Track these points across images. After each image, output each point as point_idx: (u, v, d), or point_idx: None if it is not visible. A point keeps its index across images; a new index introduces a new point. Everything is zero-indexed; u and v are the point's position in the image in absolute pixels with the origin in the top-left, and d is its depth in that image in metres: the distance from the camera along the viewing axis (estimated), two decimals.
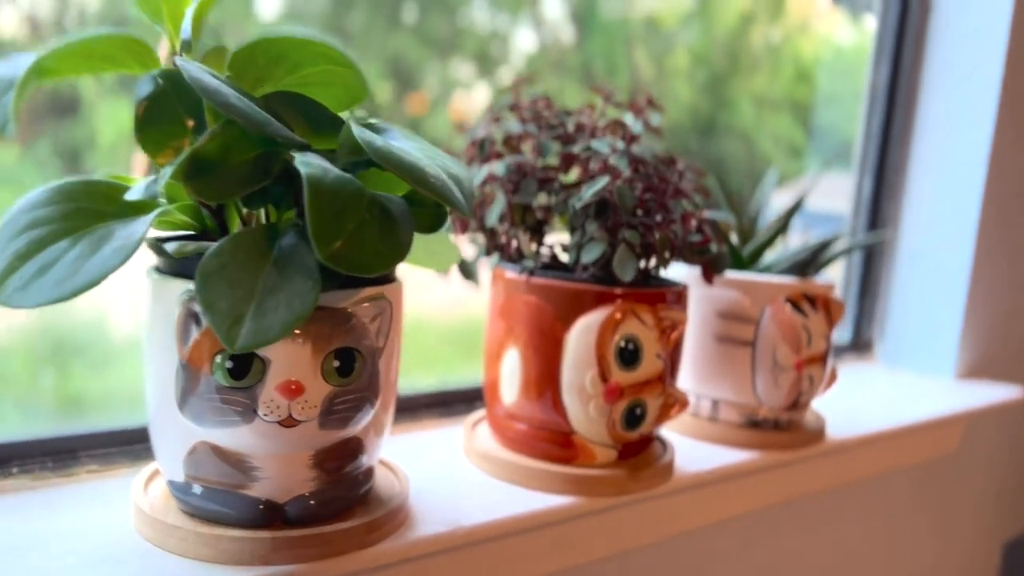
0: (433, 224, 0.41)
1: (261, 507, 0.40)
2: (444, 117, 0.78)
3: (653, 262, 0.52)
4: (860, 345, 0.97)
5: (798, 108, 1.14)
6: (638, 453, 0.55)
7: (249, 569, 0.39)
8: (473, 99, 0.81)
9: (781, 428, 0.63)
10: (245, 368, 0.37)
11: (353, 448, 0.42)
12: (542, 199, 0.55)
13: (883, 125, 0.94)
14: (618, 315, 0.50)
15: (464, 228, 0.58)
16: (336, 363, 0.39)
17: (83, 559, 0.39)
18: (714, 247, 0.55)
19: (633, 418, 0.51)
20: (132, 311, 0.51)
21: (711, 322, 0.62)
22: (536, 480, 0.51)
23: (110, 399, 0.62)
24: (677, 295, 0.53)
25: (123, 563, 0.39)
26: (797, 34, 1.18)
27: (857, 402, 0.80)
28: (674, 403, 0.53)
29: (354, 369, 0.40)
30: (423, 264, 0.51)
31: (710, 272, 0.54)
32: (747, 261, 0.66)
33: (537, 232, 0.56)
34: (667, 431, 0.64)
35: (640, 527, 0.55)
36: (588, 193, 0.49)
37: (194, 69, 0.35)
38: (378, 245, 0.35)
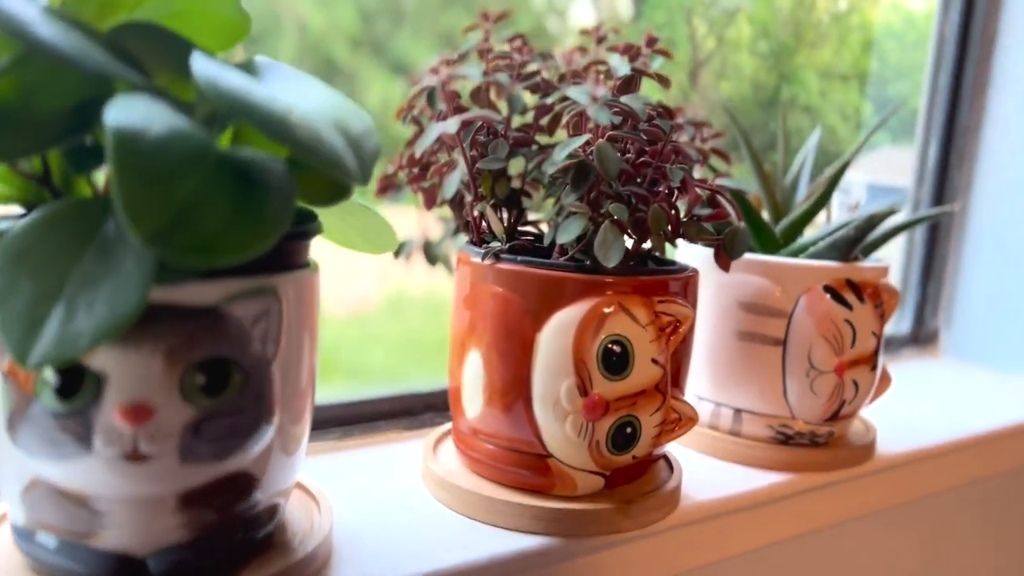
0: (333, 194, 0.31)
1: (115, 563, 0.31)
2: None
3: (649, 243, 0.41)
4: (922, 338, 0.85)
5: (866, 80, 1.04)
6: (635, 478, 0.45)
7: None
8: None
9: (819, 444, 0.52)
10: (74, 385, 0.28)
11: (241, 484, 0.33)
12: (519, 165, 0.45)
13: (952, 81, 0.81)
14: (602, 310, 0.40)
15: (431, 202, 0.48)
16: (201, 379, 0.29)
17: None
18: (734, 224, 0.45)
19: (623, 438, 0.41)
20: None
21: (733, 315, 0.51)
22: (501, 515, 0.41)
23: None
24: (683, 284, 0.43)
25: None
26: (865, 2, 1.08)
27: (916, 407, 0.69)
28: (678, 419, 0.43)
29: (228, 385, 0.30)
30: (354, 246, 0.41)
31: (724, 255, 0.44)
32: (781, 241, 0.54)
33: (514, 206, 0.46)
34: (678, 447, 0.54)
35: (635, 570, 0.45)
36: (561, 155, 0.39)
37: None
38: (229, 223, 0.26)
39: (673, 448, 0.54)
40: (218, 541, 0.33)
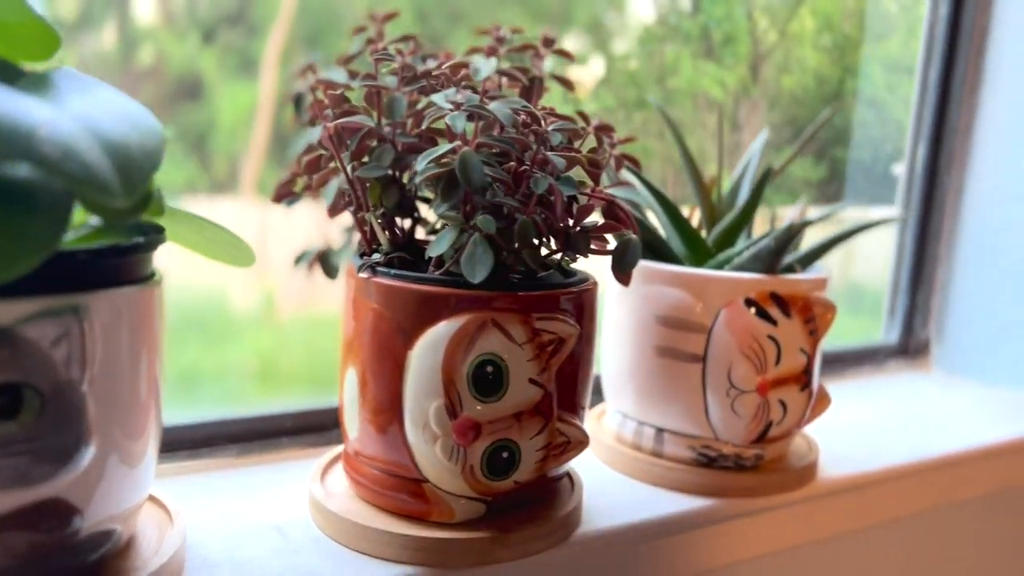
0: (106, 213, 0.29)
1: None
2: (558, 91, 0.75)
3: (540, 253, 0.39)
4: (912, 349, 0.80)
5: None
6: (525, 504, 0.42)
7: None
8: (589, 72, 0.78)
9: (746, 468, 0.49)
10: None
11: (55, 510, 0.31)
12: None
13: (942, 73, 0.76)
14: (474, 328, 0.37)
15: (332, 210, 0.46)
16: None
17: None
18: (635, 236, 0.42)
19: (500, 463, 0.38)
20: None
21: (652, 330, 0.48)
22: (370, 543, 0.39)
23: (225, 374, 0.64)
24: (575, 298, 0.40)
25: None
26: None
27: (888, 424, 0.65)
28: (567, 443, 0.40)
29: (22, 410, 0.29)
30: (219, 258, 0.40)
31: (617, 270, 0.41)
32: (713, 252, 0.51)
33: (409, 214, 0.44)
34: (600, 467, 0.51)
35: None
36: (421, 164, 0.36)
37: None
38: None
39: (593, 468, 0.51)
40: (37, 568, 0.32)
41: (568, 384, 0.41)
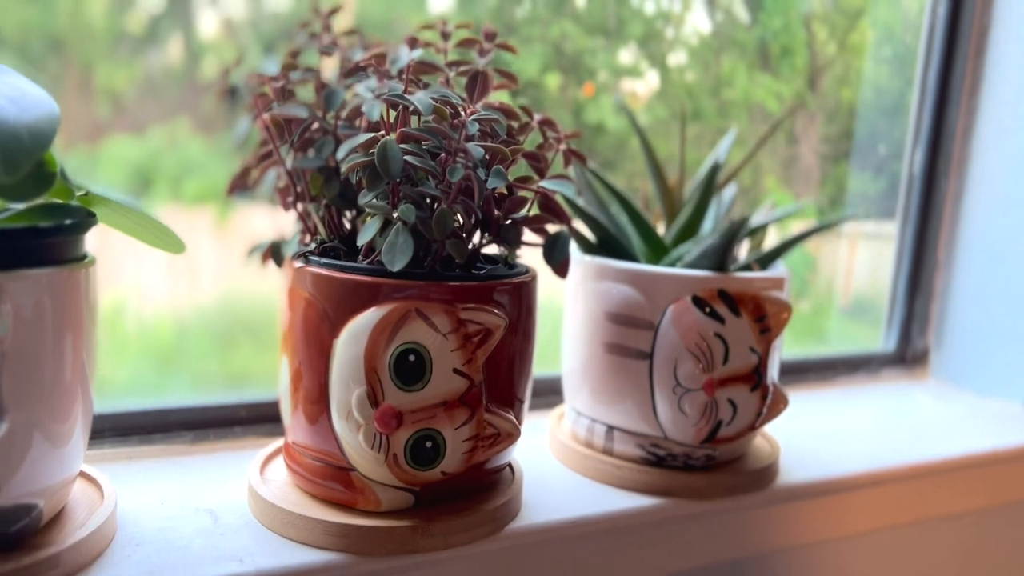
0: (19, 191, 0.30)
1: None
2: (610, 103, 0.76)
3: (487, 244, 0.39)
4: (910, 357, 0.78)
5: None
6: (458, 496, 0.42)
7: None
8: (645, 84, 0.79)
9: (695, 468, 0.48)
10: None
11: None
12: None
13: (940, 76, 0.75)
14: (397, 317, 0.38)
15: (286, 203, 0.47)
16: None
17: None
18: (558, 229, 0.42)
19: (424, 453, 0.38)
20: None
21: (601, 327, 0.48)
22: (295, 528, 0.40)
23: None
24: (510, 292, 0.40)
25: None
26: None
27: (864, 430, 0.63)
28: (496, 435, 0.40)
29: None
30: (154, 244, 0.40)
31: (547, 261, 0.41)
32: (671, 247, 0.51)
33: (352, 207, 0.45)
34: (547, 464, 0.51)
35: None
36: (341, 153, 0.37)
37: None
38: None
39: (546, 465, 0.51)
40: None
41: (500, 376, 0.41)
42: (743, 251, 0.53)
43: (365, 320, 0.38)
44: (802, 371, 0.73)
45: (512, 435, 0.41)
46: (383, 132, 0.37)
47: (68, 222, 0.35)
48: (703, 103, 0.81)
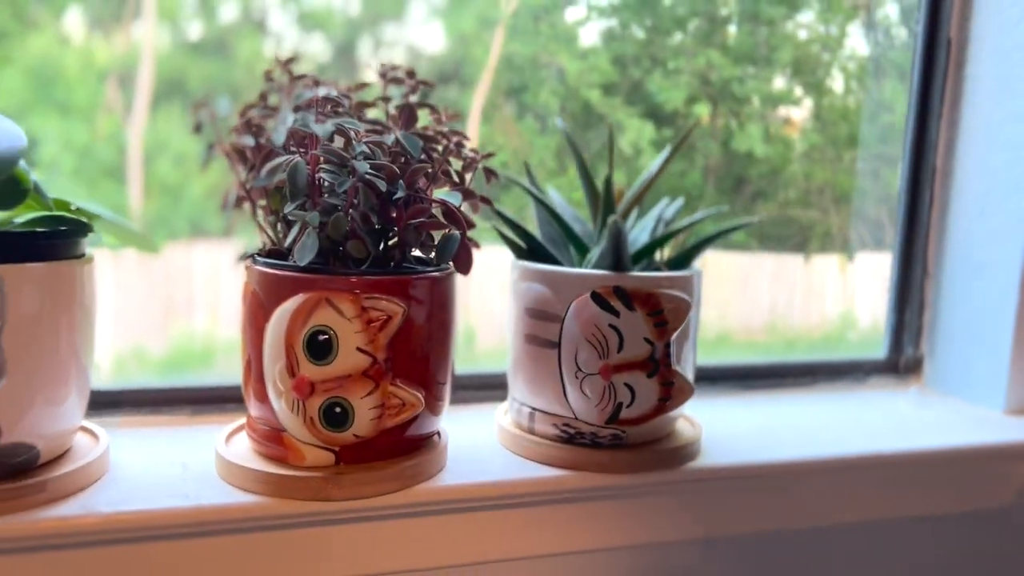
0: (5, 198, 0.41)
1: None
2: (762, 129, 0.82)
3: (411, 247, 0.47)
4: (902, 367, 0.79)
5: None
6: (376, 460, 0.50)
7: None
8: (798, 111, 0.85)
9: (602, 445, 0.54)
10: None
11: None
12: None
13: (920, 88, 0.77)
14: (310, 304, 0.46)
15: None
16: None
17: None
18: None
19: (334, 417, 0.47)
20: None
21: (523, 321, 0.55)
22: (236, 477, 0.49)
23: None
24: (418, 284, 0.48)
25: None
26: None
27: (818, 427, 0.66)
28: (401, 404, 0.48)
29: None
30: (132, 244, 0.51)
31: (438, 259, 0.49)
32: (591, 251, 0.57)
33: None
34: (487, 444, 0.58)
35: (356, 548, 0.50)
36: (263, 173, 0.46)
37: None
38: None
39: (486, 445, 0.58)
40: None
41: (409, 356, 0.49)
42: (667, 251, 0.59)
43: (286, 307, 0.47)
44: (787, 375, 0.76)
45: (415, 405, 0.48)
46: (297, 155, 0.46)
47: (63, 228, 0.47)
48: (859, 129, 0.84)
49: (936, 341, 0.78)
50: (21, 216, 0.47)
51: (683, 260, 0.57)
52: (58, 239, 0.46)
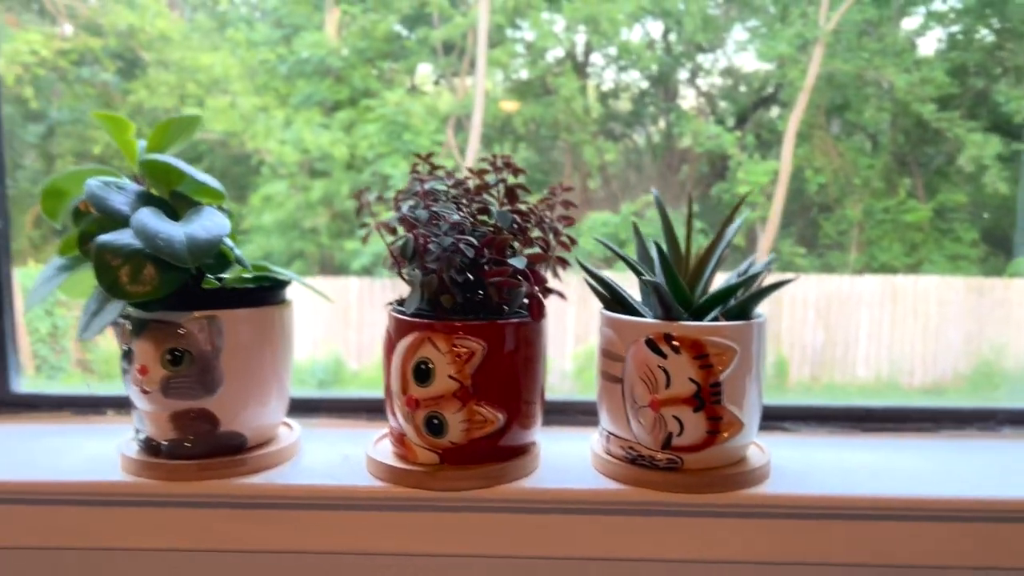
0: (212, 268, 0.62)
1: (149, 443, 0.67)
2: None
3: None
4: None
5: None
6: (476, 463, 0.65)
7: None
8: None
9: (659, 468, 0.64)
10: (127, 355, 0.65)
11: (206, 416, 0.65)
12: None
13: None
14: (417, 341, 0.63)
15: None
16: (169, 357, 0.63)
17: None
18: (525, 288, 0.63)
19: (433, 427, 0.63)
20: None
21: (600, 359, 0.67)
22: (374, 468, 0.67)
23: None
24: (505, 328, 0.63)
25: None
26: None
27: (912, 471, 0.69)
28: (484, 420, 0.63)
29: (182, 363, 0.64)
30: (317, 294, 0.71)
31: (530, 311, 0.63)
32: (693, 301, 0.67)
33: None
34: (579, 458, 0.70)
35: (440, 532, 0.64)
36: (389, 240, 0.64)
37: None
38: (132, 281, 0.59)
39: (578, 459, 0.70)
40: (206, 444, 0.66)
41: (490, 382, 0.63)
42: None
43: (402, 343, 0.64)
44: (907, 419, 0.78)
45: (493, 422, 0.63)
46: (411, 232, 0.63)
47: (266, 284, 0.68)
48: None
49: None
50: (233, 277, 0.69)
51: (744, 310, 0.65)
52: (257, 292, 0.68)
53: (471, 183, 0.68)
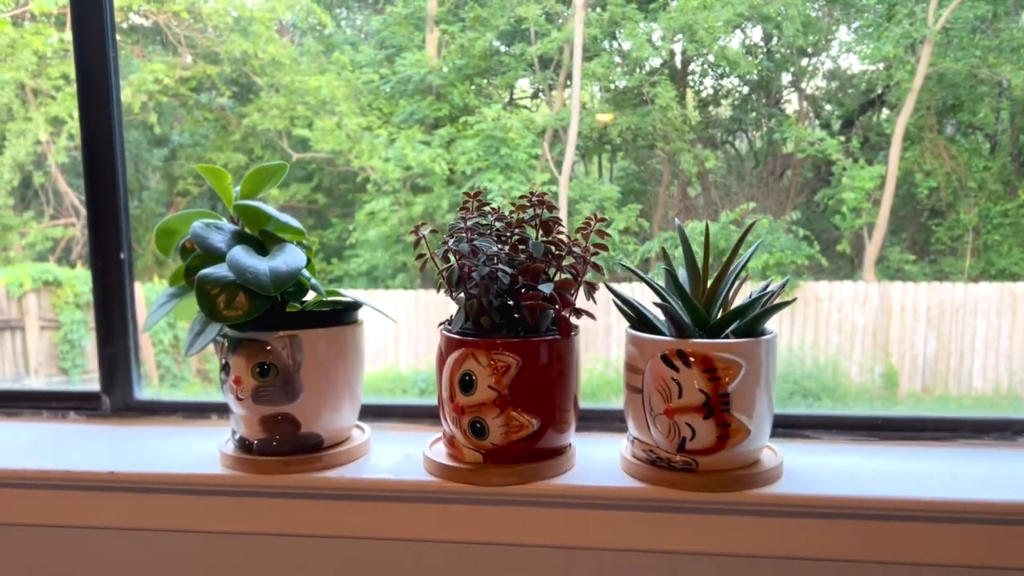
0: (292, 295, 0.75)
1: (243, 442, 0.80)
2: None
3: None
4: None
5: None
6: (515, 462, 0.75)
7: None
8: None
9: (676, 469, 0.72)
10: (225, 367, 0.78)
11: (289, 419, 0.78)
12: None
13: None
14: (463, 356, 0.74)
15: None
16: (258, 369, 0.76)
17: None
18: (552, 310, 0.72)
19: (476, 430, 0.73)
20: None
21: (625, 372, 0.76)
22: (429, 466, 0.78)
23: None
24: (539, 345, 0.73)
25: None
26: None
27: (929, 476, 0.74)
28: (520, 425, 0.73)
29: (269, 375, 0.76)
30: (384, 315, 0.83)
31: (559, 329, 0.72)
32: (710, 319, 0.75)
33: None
34: (609, 459, 0.79)
35: (483, 522, 0.75)
36: (441, 266, 0.75)
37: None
38: (227, 307, 0.72)
39: (608, 460, 0.79)
40: (289, 442, 0.79)
41: (526, 392, 0.73)
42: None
43: (450, 358, 0.75)
44: (925, 428, 0.83)
45: (528, 427, 0.73)
46: (456, 264, 0.74)
47: (338, 308, 0.80)
48: None
49: None
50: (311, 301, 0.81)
51: (754, 327, 0.73)
52: (331, 314, 0.80)
53: (514, 217, 0.78)
